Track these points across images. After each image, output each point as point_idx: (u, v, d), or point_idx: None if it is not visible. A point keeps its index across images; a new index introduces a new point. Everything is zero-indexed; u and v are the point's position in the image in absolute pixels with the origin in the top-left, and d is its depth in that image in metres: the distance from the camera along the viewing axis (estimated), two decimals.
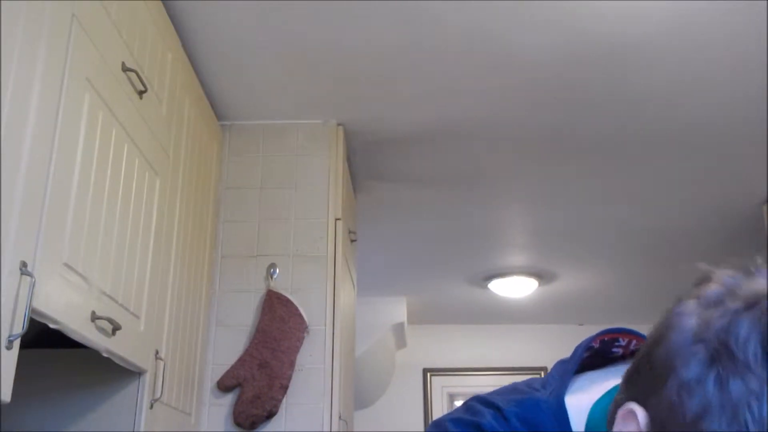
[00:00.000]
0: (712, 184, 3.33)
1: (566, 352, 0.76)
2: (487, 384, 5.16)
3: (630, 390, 0.59)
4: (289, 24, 2.22)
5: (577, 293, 5.00)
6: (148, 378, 1.83)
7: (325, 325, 2.55)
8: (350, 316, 3.07)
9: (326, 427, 2.44)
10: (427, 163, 3.18)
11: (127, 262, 1.70)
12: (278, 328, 2.47)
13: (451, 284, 4.89)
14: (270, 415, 2.40)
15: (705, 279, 0.55)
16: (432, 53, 2.36)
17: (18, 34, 1.22)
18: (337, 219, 2.69)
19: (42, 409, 1.79)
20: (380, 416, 5.55)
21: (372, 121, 2.81)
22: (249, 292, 2.58)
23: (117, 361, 1.67)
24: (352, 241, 3.07)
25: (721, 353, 0.49)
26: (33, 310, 1.23)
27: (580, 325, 5.64)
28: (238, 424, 2.39)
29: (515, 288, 4.78)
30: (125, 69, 1.69)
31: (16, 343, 1.19)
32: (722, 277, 0.53)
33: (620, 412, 0.57)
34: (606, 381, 0.68)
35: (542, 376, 0.78)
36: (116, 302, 1.63)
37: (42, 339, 1.55)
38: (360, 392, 4.57)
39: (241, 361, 2.46)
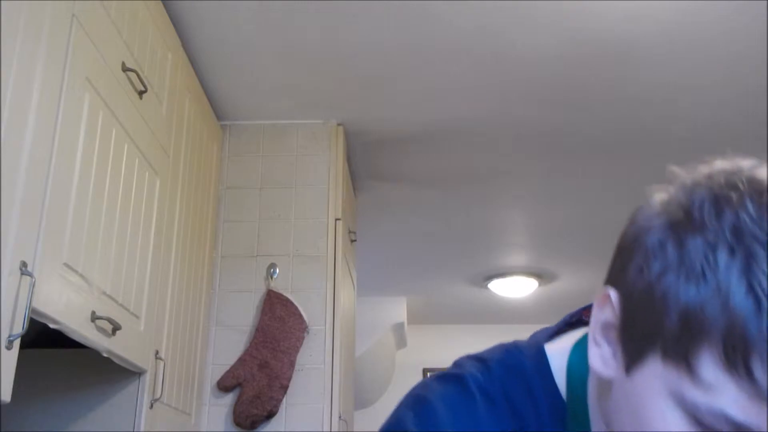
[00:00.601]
0: None
1: None
2: None
3: (606, 278, 0.60)
4: (289, 24, 2.22)
5: (577, 293, 4.99)
6: (148, 378, 1.83)
7: (325, 325, 2.55)
8: (350, 316, 3.07)
9: (326, 427, 2.44)
10: (427, 163, 3.18)
11: (127, 262, 1.70)
12: (278, 328, 2.47)
13: (451, 284, 4.89)
14: (270, 415, 2.40)
15: (673, 177, 0.58)
16: (432, 53, 2.36)
17: (18, 34, 1.22)
18: (337, 219, 2.69)
19: (42, 409, 1.79)
20: (380, 416, 5.48)
21: (372, 121, 2.81)
22: (249, 292, 2.58)
23: (117, 361, 1.67)
24: (352, 241, 3.07)
25: (680, 218, 0.52)
26: (33, 310, 1.23)
27: None
28: (238, 424, 2.39)
29: (515, 288, 4.79)
30: (125, 69, 1.69)
31: (16, 343, 1.18)
32: (687, 171, 0.57)
33: (596, 299, 0.59)
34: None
35: None
36: (116, 302, 1.63)
37: (42, 339, 1.55)
38: (360, 392, 4.57)
39: (241, 361, 2.46)
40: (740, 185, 0.51)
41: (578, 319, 0.73)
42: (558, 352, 0.68)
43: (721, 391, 0.47)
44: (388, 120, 2.81)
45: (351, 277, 3.12)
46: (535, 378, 0.66)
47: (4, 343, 1.15)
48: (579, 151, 3.05)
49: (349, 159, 3.02)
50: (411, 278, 4.79)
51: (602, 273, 0.60)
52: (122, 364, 1.71)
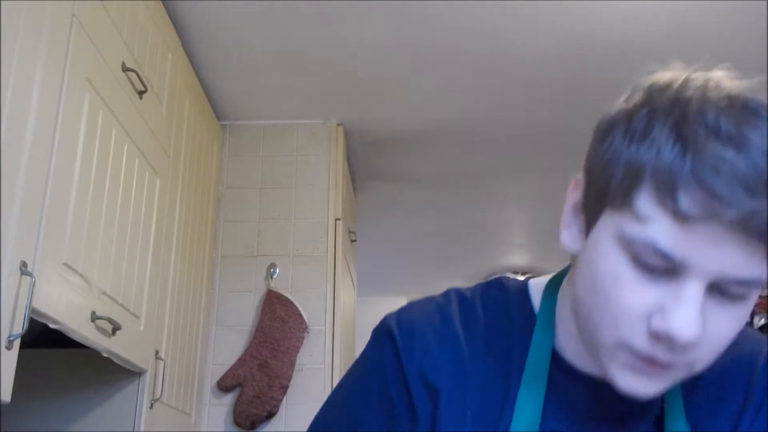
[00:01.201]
0: None
1: None
2: None
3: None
4: (289, 24, 2.22)
5: None
6: (148, 378, 1.83)
7: (325, 325, 2.55)
8: (350, 316, 3.07)
9: None
10: (427, 163, 3.18)
11: (127, 262, 1.70)
12: (278, 328, 2.47)
13: (451, 284, 4.80)
14: (270, 415, 2.40)
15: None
16: (432, 53, 2.36)
17: (18, 34, 1.22)
18: (337, 219, 2.69)
19: (42, 409, 1.79)
20: None
21: (372, 121, 2.81)
22: (249, 292, 2.58)
23: (117, 361, 1.67)
24: (352, 241, 3.07)
25: (636, 101, 0.60)
26: (33, 310, 1.23)
27: None
28: (238, 424, 2.39)
29: None
30: (125, 69, 1.69)
31: (16, 343, 1.19)
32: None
33: (569, 187, 0.68)
34: None
35: None
36: (116, 302, 1.63)
37: (42, 339, 1.55)
38: None
39: (241, 361, 2.46)
40: (691, 78, 0.61)
41: None
42: (539, 282, 0.76)
43: (653, 220, 0.55)
44: (388, 120, 2.81)
45: (351, 277, 3.12)
46: (513, 300, 0.75)
47: (4, 343, 1.15)
48: (579, 151, 3.03)
49: (349, 159, 3.02)
50: (411, 278, 4.79)
51: None
52: (122, 364, 1.71)
